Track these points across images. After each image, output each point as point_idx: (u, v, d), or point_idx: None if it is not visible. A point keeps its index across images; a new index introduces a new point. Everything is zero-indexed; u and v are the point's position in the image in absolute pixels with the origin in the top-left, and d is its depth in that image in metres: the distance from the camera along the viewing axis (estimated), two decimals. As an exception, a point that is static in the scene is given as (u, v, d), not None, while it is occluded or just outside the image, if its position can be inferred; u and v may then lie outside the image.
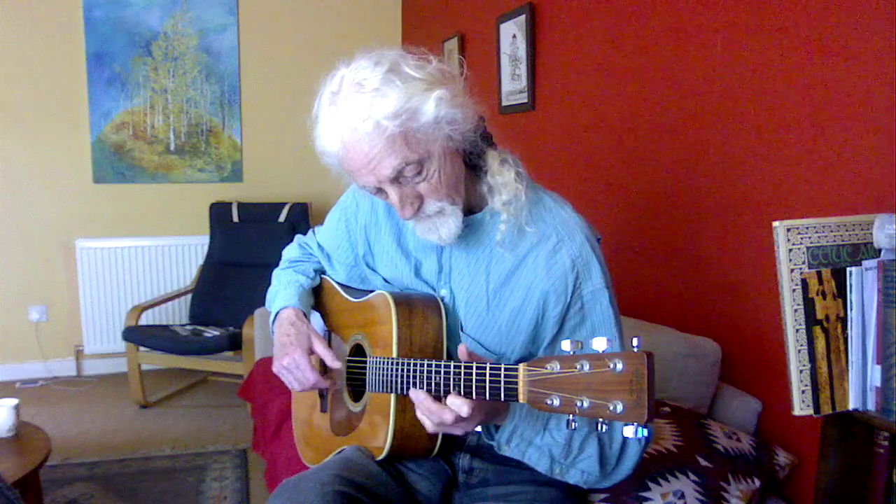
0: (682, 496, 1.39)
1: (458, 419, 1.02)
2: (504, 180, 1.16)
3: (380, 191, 1.11)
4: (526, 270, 1.17)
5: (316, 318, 1.48)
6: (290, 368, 1.28)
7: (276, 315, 1.39)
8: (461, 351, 1.04)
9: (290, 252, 1.54)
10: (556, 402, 0.88)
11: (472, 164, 1.19)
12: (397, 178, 1.08)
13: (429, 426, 1.07)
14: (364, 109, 1.03)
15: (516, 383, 0.95)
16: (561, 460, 1.13)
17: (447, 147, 1.10)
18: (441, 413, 1.03)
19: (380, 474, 1.22)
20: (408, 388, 1.14)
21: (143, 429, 3.25)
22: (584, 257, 1.16)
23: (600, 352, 0.85)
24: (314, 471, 1.20)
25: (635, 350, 0.82)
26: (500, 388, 0.98)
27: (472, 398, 1.01)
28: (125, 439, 3.11)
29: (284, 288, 1.42)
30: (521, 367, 0.95)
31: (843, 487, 1.30)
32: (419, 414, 1.08)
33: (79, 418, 3.36)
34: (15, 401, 2.19)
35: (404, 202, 1.10)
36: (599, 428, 0.86)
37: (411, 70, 1.06)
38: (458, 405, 1.00)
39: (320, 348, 1.29)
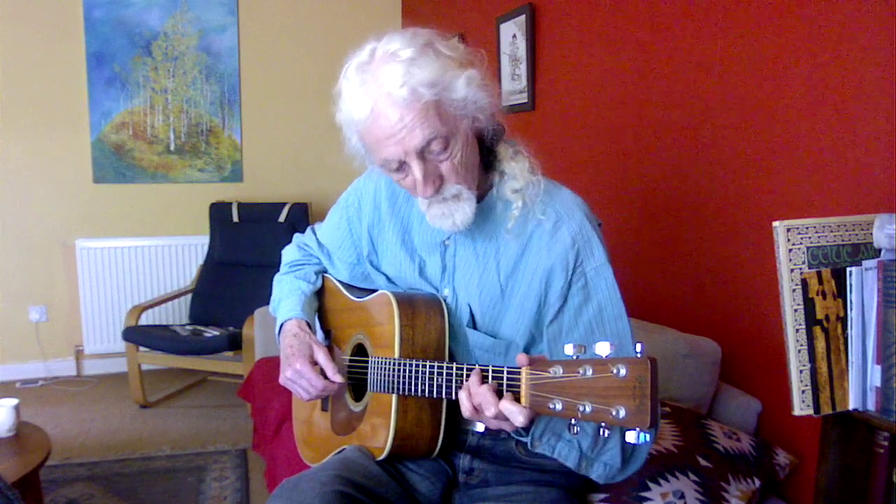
0: (682, 496, 1.39)
1: (503, 419, 0.99)
2: (520, 168, 1.16)
3: (400, 168, 1.10)
4: (531, 253, 1.17)
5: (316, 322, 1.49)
6: (294, 379, 1.29)
7: (280, 327, 1.39)
8: (520, 359, 0.98)
9: (289, 254, 1.53)
10: (559, 407, 0.88)
11: (485, 152, 1.19)
12: (423, 152, 1.07)
13: (467, 409, 1.02)
14: (401, 76, 1.03)
15: (519, 387, 0.95)
16: (588, 453, 1.10)
17: (472, 127, 1.11)
18: (487, 405, 0.98)
19: (380, 474, 1.22)
20: (409, 389, 1.14)
21: (143, 429, 3.25)
22: (585, 234, 1.15)
23: (603, 357, 0.85)
24: (314, 471, 1.20)
25: (639, 356, 0.82)
26: (502, 391, 0.98)
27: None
28: (125, 439, 3.11)
29: (287, 297, 1.42)
30: (524, 370, 0.94)
31: (843, 487, 1.30)
32: (461, 393, 1.03)
33: (79, 418, 3.36)
34: (15, 401, 2.19)
35: (427, 179, 1.09)
36: (602, 433, 0.86)
37: (444, 48, 1.08)
38: (512, 412, 0.95)
39: (321, 358, 1.29)
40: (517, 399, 0.95)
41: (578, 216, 1.16)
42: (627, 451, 1.12)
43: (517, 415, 0.94)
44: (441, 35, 1.11)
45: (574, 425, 0.88)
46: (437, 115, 1.05)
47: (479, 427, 1.08)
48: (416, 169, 1.08)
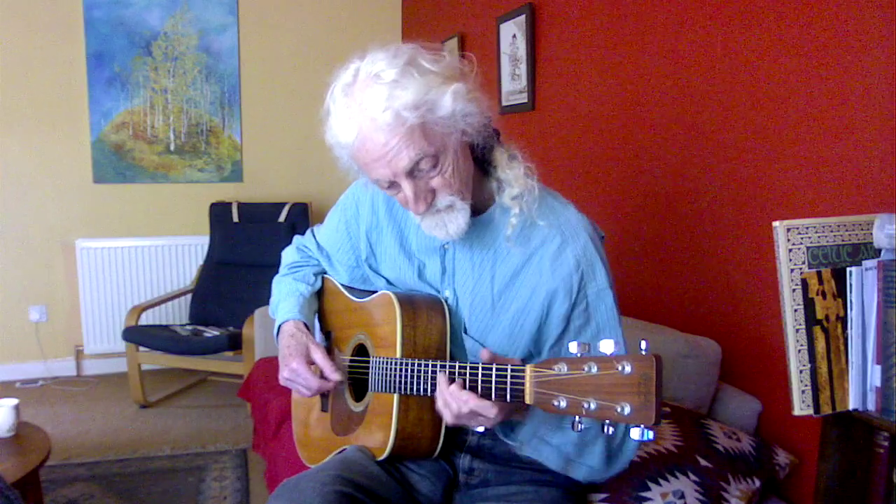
0: (682, 496, 1.39)
1: (477, 414, 1.02)
2: (514, 174, 1.16)
3: (392, 185, 1.11)
4: (531, 271, 1.17)
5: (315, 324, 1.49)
6: (291, 378, 1.30)
7: (278, 328, 1.39)
8: (483, 355, 1.03)
9: (288, 256, 1.53)
10: (563, 404, 0.88)
11: (480, 160, 1.19)
12: (412, 172, 1.07)
13: (448, 417, 1.07)
14: (383, 100, 1.02)
15: (523, 384, 0.96)
16: (573, 457, 1.13)
17: (461, 141, 1.11)
18: (461, 403, 1.03)
19: (380, 474, 1.22)
20: (411, 389, 1.15)
21: (143, 429, 3.25)
22: (589, 257, 1.16)
23: (608, 354, 0.85)
24: (314, 471, 1.20)
25: (644, 353, 0.82)
26: (506, 390, 0.98)
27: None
28: (125, 439, 3.11)
29: (285, 299, 1.42)
30: (528, 368, 0.95)
31: (843, 487, 1.30)
32: (439, 403, 1.07)
33: (79, 418, 3.36)
34: (15, 401, 2.19)
35: (418, 196, 1.09)
36: (606, 430, 0.86)
37: (428, 64, 1.07)
38: (482, 406, 1.02)
39: (318, 358, 1.30)
40: (521, 397, 0.96)
41: (583, 238, 1.17)
42: (614, 452, 1.15)
43: (489, 409, 1.01)
44: (425, 48, 1.09)
45: (578, 422, 0.89)
46: (423, 135, 1.04)
47: (479, 427, 1.09)
48: (407, 188, 1.08)
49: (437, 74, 1.06)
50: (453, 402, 1.04)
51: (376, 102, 1.02)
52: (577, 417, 0.88)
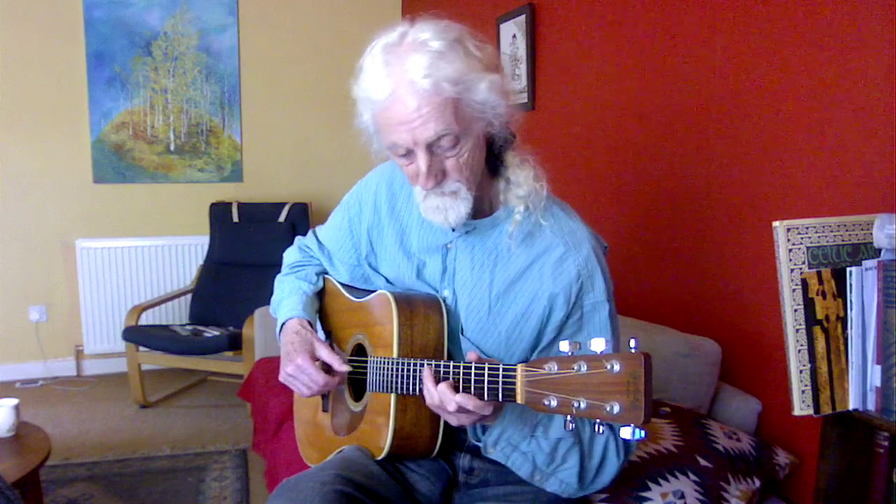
0: (682, 496, 1.39)
1: (461, 409, 1.03)
2: (524, 176, 1.16)
3: (407, 154, 1.10)
4: (531, 278, 1.18)
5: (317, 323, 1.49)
6: (295, 374, 1.28)
7: (281, 326, 1.39)
8: (470, 358, 1.04)
9: (290, 256, 1.54)
10: (554, 403, 0.88)
11: (493, 157, 1.19)
12: (432, 146, 1.07)
13: (428, 401, 1.08)
14: (425, 67, 1.03)
15: (514, 384, 0.95)
16: (543, 468, 1.15)
17: (485, 131, 1.12)
18: (446, 400, 1.03)
19: (380, 474, 1.22)
20: (407, 389, 1.15)
21: (143, 429, 3.25)
22: (590, 269, 1.16)
23: (598, 353, 0.85)
24: (314, 471, 1.20)
25: (633, 351, 0.82)
26: (498, 389, 0.98)
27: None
28: (125, 439, 3.11)
29: (288, 297, 1.42)
30: (520, 367, 0.95)
31: (843, 487, 1.30)
32: (425, 397, 1.08)
33: (79, 418, 3.36)
34: (15, 401, 2.19)
35: (430, 171, 1.09)
36: (597, 429, 0.86)
37: (473, 48, 1.09)
38: (463, 401, 1.02)
39: (324, 353, 1.29)
40: (513, 397, 0.96)
41: (586, 248, 1.17)
42: (589, 471, 1.15)
43: (484, 408, 1.01)
44: (473, 33, 1.11)
45: (570, 422, 0.88)
46: (454, 112, 1.05)
47: (466, 423, 1.10)
48: (422, 160, 1.08)
49: (479, 60, 1.08)
50: (437, 397, 1.05)
51: (418, 67, 1.03)
52: (568, 417, 0.88)
